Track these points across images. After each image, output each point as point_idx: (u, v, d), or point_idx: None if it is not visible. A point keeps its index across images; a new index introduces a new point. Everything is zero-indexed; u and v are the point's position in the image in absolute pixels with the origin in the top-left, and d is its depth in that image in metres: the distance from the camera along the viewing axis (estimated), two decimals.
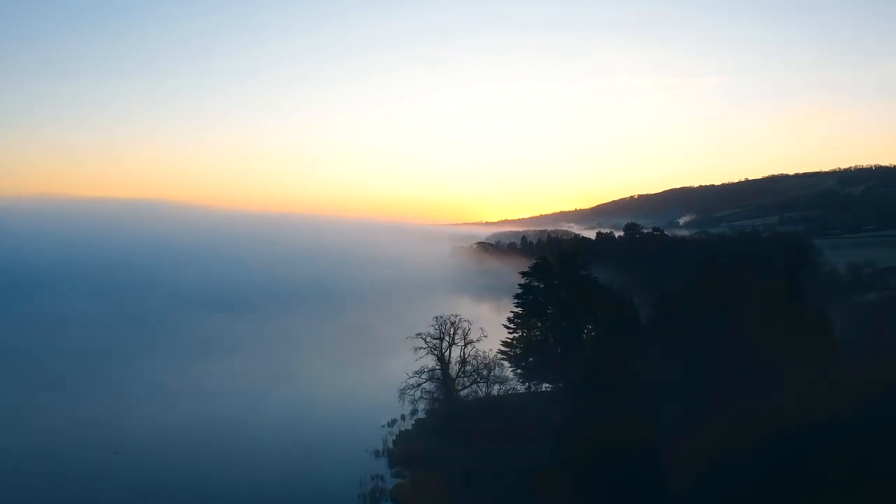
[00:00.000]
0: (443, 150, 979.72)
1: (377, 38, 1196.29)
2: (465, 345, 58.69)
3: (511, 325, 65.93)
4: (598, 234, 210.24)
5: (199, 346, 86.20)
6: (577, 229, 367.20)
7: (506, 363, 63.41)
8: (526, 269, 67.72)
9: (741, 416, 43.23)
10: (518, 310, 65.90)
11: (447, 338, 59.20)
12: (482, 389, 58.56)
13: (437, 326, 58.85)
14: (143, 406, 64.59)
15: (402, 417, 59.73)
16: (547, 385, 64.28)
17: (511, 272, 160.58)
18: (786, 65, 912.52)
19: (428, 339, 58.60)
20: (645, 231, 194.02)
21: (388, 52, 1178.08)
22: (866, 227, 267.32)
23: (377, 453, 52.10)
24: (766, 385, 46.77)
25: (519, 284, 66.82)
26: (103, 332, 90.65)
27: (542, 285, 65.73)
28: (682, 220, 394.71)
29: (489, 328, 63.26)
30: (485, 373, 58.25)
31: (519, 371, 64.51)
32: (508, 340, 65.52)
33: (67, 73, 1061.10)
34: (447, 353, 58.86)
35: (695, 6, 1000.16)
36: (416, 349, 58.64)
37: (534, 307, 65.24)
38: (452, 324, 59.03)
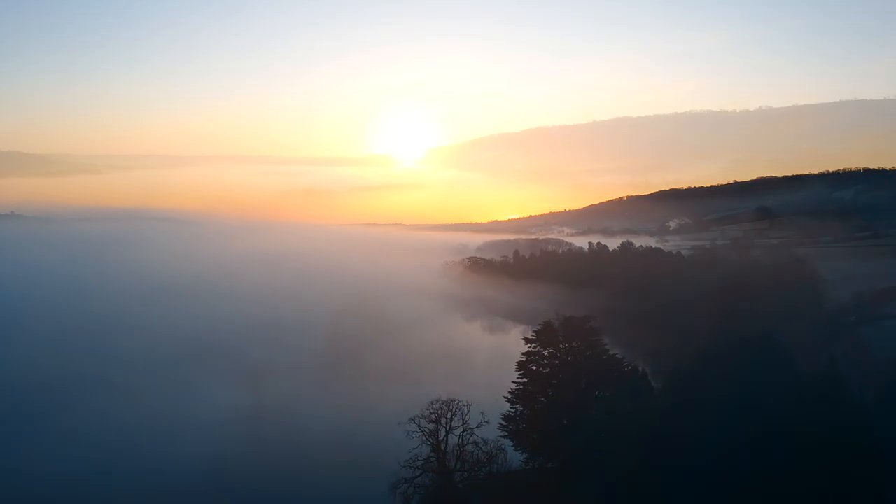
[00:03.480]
0: None
1: (376, 37, 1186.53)
2: (464, 432, 52.60)
3: (513, 397, 60.22)
4: (591, 244, 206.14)
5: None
6: (568, 235, 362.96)
7: (508, 441, 57.63)
8: (530, 334, 62.43)
9: None
10: (522, 380, 60.35)
11: (444, 421, 53.09)
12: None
13: (431, 411, 52.65)
14: None
15: None
16: (550, 464, 58.57)
17: (504, 292, 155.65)
18: (773, 66, 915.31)
19: (421, 423, 52.41)
20: (639, 246, 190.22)
21: (388, 51, 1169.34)
22: (860, 233, 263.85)
23: None
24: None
25: (522, 353, 61.50)
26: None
27: (546, 352, 60.55)
28: (672, 224, 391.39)
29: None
30: (485, 461, 52.27)
31: (522, 447, 58.92)
32: (510, 414, 59.78)
33: (61, 71, 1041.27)
34: (443, 442, 52.74)
35: (685, 7, 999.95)
36: (408, 434, 52.52)
37: (538, 378, 59.81)
38: (449, 408, 52.84)
